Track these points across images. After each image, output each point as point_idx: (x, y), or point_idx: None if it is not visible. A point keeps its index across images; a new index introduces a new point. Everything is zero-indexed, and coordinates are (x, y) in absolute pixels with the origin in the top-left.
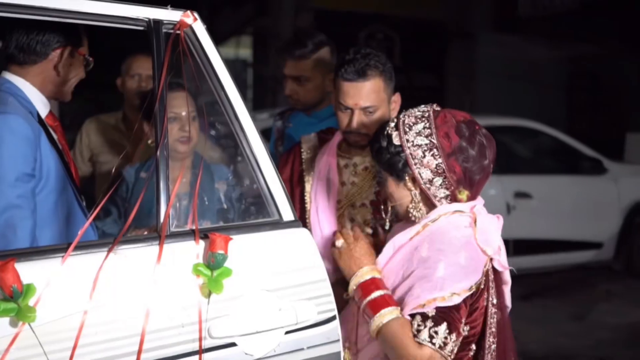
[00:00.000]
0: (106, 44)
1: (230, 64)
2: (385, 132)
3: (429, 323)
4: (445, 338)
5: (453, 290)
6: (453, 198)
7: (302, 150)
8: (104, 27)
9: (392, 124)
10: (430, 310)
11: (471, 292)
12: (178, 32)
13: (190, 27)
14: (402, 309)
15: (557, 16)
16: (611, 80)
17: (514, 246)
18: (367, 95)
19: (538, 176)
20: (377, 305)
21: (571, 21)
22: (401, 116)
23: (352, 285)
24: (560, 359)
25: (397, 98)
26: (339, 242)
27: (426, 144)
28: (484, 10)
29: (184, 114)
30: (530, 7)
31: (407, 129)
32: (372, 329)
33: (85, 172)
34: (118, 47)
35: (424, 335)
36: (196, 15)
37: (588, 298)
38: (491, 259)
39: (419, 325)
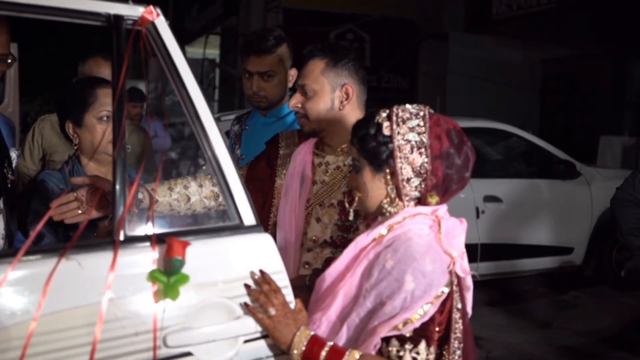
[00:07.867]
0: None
1: (198, 63)
2: (375, 120)
3: (408, 345)
4: (427, 356)
5: (426, 300)
6: (422, 202)
7: (280, 144)
8: (63, 23)
9: (384, 114)
10: (408, 332)
11: (443, 296)
12: (139, 28)
13: (152, 23)
14: (369, 328)
15: (530, 17)
16: (585, 82)
17: (482, 251)
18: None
19: (509, 180)
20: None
21: (545, 22)
22: (394, 108)
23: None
24: None
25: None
26: (272, 310)
27: (416, 141)
28: (456, 10)
29: None
30: (505, 6)
31: (401, 122)
32: None
33: (34, 173)
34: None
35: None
36: (159, 11)
37: (556, 304)
38: (454, 263)
39: (398, 351)
